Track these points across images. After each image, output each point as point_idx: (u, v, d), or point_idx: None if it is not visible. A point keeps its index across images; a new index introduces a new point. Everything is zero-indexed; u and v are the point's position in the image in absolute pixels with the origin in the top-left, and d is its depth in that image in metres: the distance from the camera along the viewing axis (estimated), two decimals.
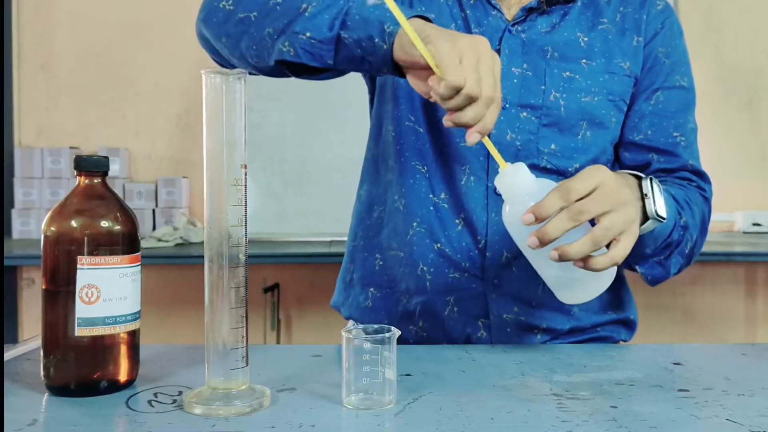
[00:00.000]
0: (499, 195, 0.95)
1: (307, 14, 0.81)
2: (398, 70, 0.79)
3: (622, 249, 0.74)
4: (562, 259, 0.71)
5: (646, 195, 0.83)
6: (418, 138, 0.98)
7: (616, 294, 1.04)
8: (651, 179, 0.84)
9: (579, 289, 0.77)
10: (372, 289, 1.03)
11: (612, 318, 1.03)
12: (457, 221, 0.96)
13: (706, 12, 2.89)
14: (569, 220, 0.70)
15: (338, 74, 0.86)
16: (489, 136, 0.75)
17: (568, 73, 0.96)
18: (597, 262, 0.73)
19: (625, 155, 1.01)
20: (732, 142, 2.85)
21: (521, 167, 0.75)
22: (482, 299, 0.97)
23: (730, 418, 0.62)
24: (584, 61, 0.97)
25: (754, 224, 2.78)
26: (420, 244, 0.97)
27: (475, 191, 0.95)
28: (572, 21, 0.98)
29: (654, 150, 0.99)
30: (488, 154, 0.95)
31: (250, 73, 0.86)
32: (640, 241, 0.82)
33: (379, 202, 1.04)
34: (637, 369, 0.78)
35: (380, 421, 0.60)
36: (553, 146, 0.95)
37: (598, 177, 0.72)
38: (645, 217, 0.83)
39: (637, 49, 0.99)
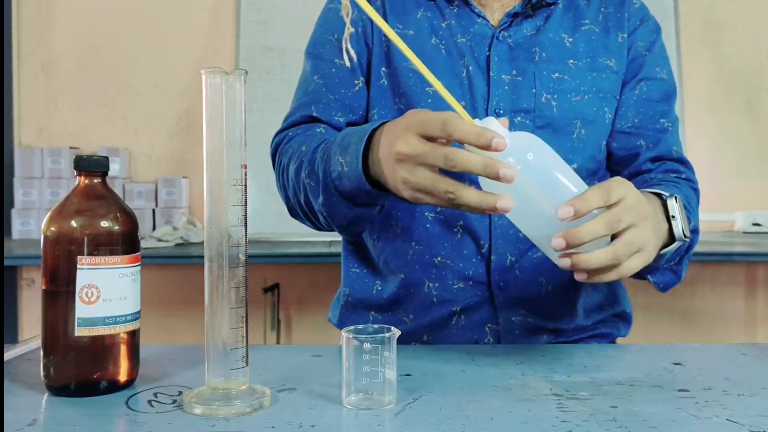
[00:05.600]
0: None
1: (334, 216, 0.88)
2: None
3: (634, 266, 0.69)
4: (574, 267, 0.66)
5: (673, 217, 0.79)
6: None
7: (612, 290, 1.07)
8: (675, 198, 0.80)
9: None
10: (373, 312, 1.03)
11: (610, 313, 1.05)
12: (455, 229, 0.96)
13: (706, 12, 2.89)
14: (606, 226, 0.65)
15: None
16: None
17: (556, 74, 0.97)
18: (605, 275, 0.68)
19: (613, 145, 1.02)
20: (732, 142, 2.84)
21: (492, 121, 0.66)
22: (489, 304, 0.97)
23: (730, 418, 0.62)
24: (571, 61, 0.98)
25: (754, 224, 2.78)
26: (421, 262, 0.97)
27: None
28: (555, 23, 0.99)
29: (642, 137, 1.00)
30: None
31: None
32: (660, 256, 0.80)
33: (370, 230, 1.02)
34: (637, 369, 0.78)
35: (380, 421, 0.60)
36: None
37: (623, 189, 0.67)
38: (671, 238, 0.79)
39: (622, 45, 1.01)
